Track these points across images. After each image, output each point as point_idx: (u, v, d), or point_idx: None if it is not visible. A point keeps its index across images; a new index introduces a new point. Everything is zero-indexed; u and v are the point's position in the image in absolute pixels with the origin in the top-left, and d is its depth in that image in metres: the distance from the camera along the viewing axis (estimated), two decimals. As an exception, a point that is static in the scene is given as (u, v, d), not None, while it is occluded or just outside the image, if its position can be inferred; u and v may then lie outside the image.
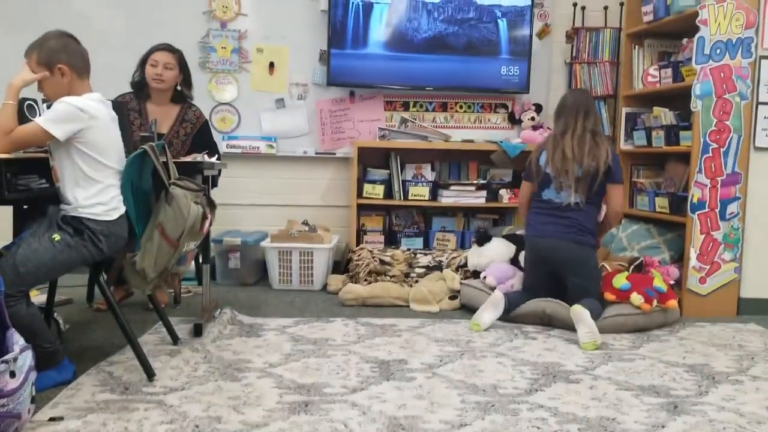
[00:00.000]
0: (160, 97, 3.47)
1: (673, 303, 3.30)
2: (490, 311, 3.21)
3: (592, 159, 3.19)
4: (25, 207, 2.71)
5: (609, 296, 3.25)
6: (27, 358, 1.85)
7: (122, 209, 2.35)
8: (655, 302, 3.24)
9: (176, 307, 3.54)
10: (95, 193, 2.28)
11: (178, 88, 3.51)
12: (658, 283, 3.31)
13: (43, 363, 2.20)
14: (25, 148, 2.29)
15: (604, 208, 3.36)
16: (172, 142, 3.43)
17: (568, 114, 3.32)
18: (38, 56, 2.28)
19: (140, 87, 3.47)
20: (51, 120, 2.17)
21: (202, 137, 3.54)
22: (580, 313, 3.01)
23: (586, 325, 2.97)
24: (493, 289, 3.46)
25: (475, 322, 3.19)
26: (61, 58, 2.27)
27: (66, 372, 2.33)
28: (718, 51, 3.54)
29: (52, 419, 2.00)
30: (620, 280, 3.29)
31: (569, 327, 3.10)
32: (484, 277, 3.57)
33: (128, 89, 3.50)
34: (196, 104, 3.61)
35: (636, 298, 3.21)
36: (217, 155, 3.33)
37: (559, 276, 3.28)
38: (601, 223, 3.38)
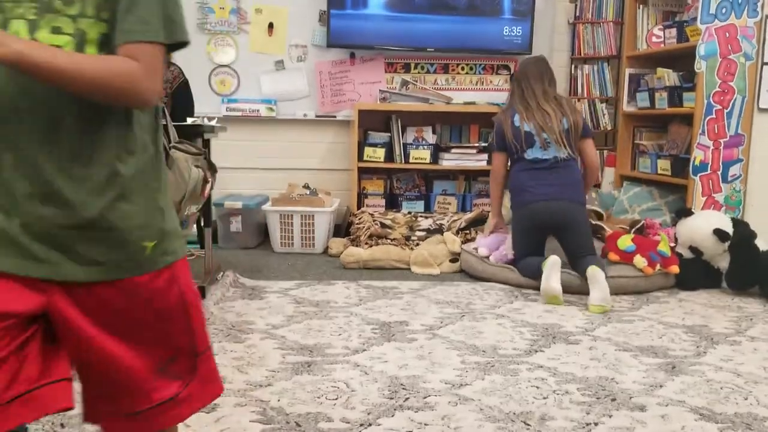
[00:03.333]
0: None
1: (674, 268, 3.30)
2: (557, 274, 3.03)
3: (575, 113, 3.31)
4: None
5: (613, 257, 3.26)
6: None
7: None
8: (658, 266, 3.25)
9: None
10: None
11: None
12: (663, 247, 3.31)
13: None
14: None
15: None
16: None
17: (534, 80, 3.32)
18: None
19: None
20: None
21: (178, 98, 3.45)
22: (596, 275, 2.95)
23: (601, 288, 2.93)
24: (486, 258, 3.46)
25: (553, 295, 2.98)
26: None
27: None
28: (723, 10, 3.49)
29: (58, 380, 2.02)
30: (626, 242, 3.29)
31: (570, 291, 3.12)
32: (476, 248, 3.56)
33: None
34: (188, 69, 3.53)
35: (639, 260, 3.22)
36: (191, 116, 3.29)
37: (550, 236, 3.27)
38: (583, 180, 3.37)
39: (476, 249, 3.55)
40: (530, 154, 3.27)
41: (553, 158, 3.24)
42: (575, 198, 3.23)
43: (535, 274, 3.13)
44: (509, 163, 3.42)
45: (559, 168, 3.23)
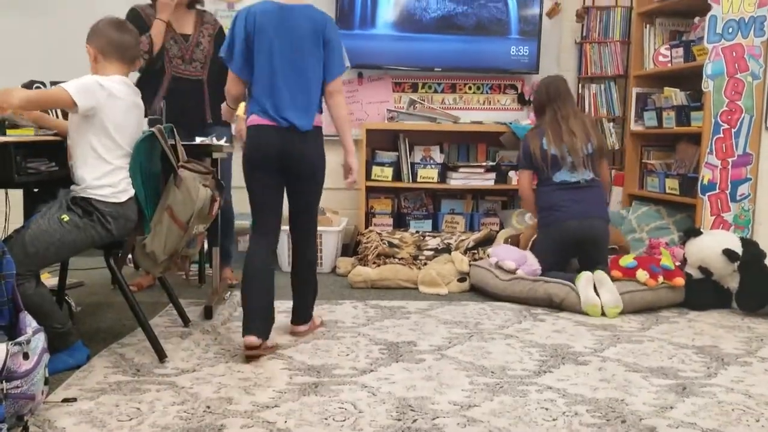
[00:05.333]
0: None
1: (679, 280, 3.29)
2: (591, 286, 3.17)
3: (598, 134, 3.48)
4: (35, 190, 2.73)
5: (616, 274, 3.28)
6: (40, 340, 1.87)
7: (131, 192, 2.36)
8: (660, 278, 3.25)
9: (200, 287, 3.59)
10: (104, 174, 2.29)
11: None
12: (666, 261, 3.32)
13: (55, 344, 2.21)
14: (43, 108, 2.32)
15: None
16: (200, 42, 3.40)
17: (561, 100, 3.45)
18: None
19: None
20: (74, 87, 2.21)
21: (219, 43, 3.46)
22: (603, 277, 3.15)
23: (609, 290, 3.13)
24: (512, 271, 3.42)
25: (594, 305, 3.11)
26: (91, 40, 2.40)
27: (79, 356, 2.35)
28: (730, 30, 3.50)
29: (65, 400, 2.03)
30: (627, 259, 3.35)
31: (575, 310, 3.12)
32: (496, 262, 3.52)
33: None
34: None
35: (641, 274, 3.25)
36: None
37: (576, 253, 3.42)
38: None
39: (496, 263, 3.53)
40: (558, 177, 3.39)
41: (581, 180, 3.37)
42: (604, 215, 3.42)
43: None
44: (536, 182, 3.53)
45: (586, 188, 3.38)
